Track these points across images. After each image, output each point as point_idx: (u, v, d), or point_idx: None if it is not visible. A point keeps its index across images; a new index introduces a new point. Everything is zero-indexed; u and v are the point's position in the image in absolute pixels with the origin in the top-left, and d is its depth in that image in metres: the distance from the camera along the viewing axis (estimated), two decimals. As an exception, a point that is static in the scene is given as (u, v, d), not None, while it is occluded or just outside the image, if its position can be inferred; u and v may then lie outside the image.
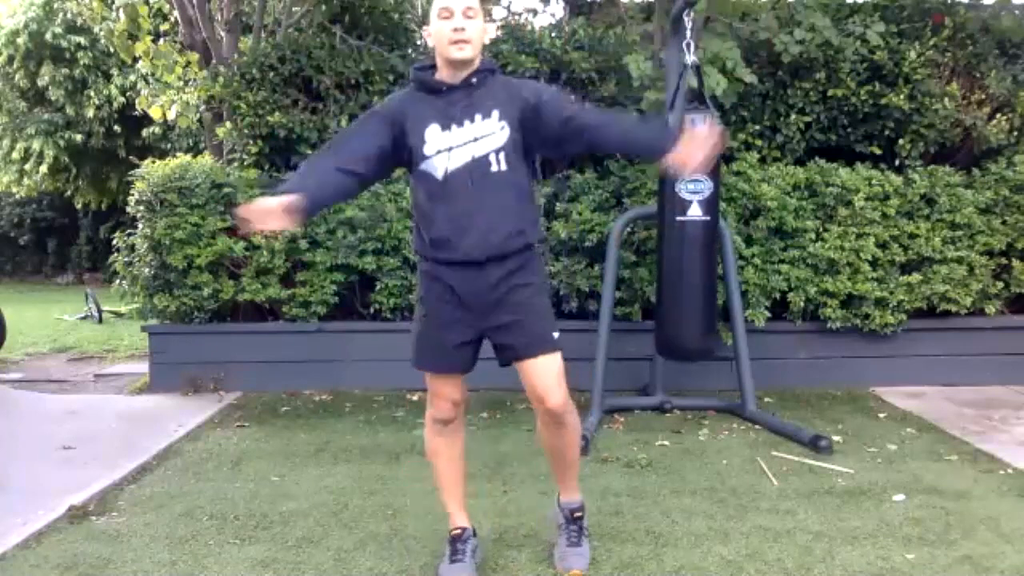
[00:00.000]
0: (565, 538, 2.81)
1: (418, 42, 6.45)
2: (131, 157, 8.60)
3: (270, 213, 2.38)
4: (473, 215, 2.52)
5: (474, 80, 2.55)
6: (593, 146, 2.88)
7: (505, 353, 2.64)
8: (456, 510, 2.79)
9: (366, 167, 2.58)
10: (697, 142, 2.47)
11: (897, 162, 5.37)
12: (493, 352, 2.69)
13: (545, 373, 2.58)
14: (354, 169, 2.56)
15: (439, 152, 2.52)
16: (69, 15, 11.54)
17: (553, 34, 5.42)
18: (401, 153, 2.59)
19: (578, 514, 2.84)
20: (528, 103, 2.55)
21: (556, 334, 2.63)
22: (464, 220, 2.52)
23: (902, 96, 5.17)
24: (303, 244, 5.14)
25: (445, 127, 2.53)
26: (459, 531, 2.75)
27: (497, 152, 2.52)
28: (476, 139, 2.52)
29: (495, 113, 2.52)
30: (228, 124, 5.49)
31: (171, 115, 6.53)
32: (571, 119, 2.55)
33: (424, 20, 6.60)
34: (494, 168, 2.52)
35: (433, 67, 2.61)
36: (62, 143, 12.66)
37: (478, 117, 2.52)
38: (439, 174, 2.53)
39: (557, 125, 2.55)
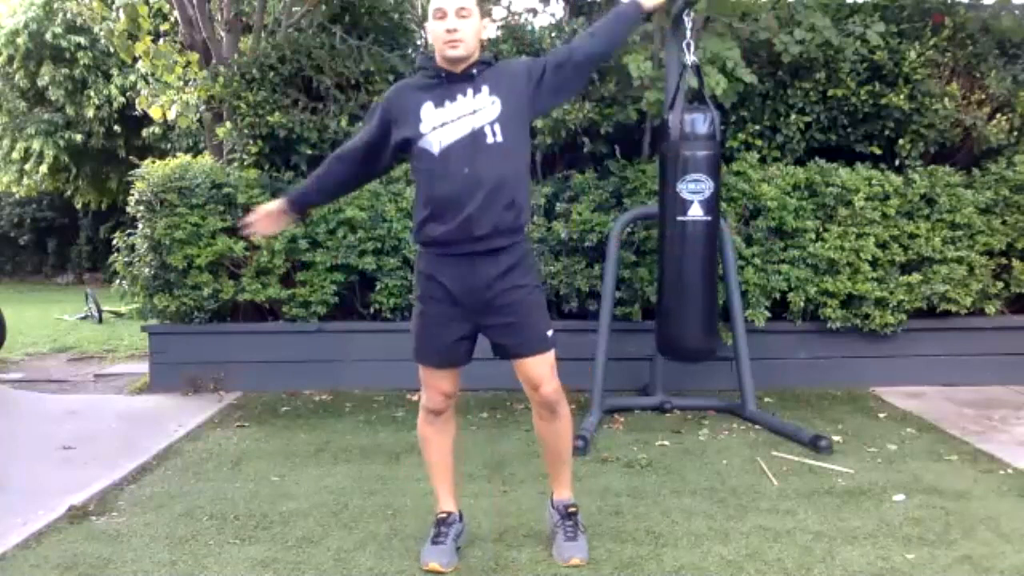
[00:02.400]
0: (562, 533, 2.85)
1: (418, 42, 6.45)
2: (131, 157, 8.58)
3: (264, 218, 2.84)
4: (471, 185, 2.60)
5: (474, 71, 2.68)
6: (590, 64, 2.89)
7: (501, 349, 2.78)
8: (443, 495, 2.91)
9: (365, 155, 2.79)
10: None
11: (897, 162, 5.37)
12: (490, 346, 2.79)
13: (539, 367, 2.74)
14: (353, 157, 2.81)
15: (434, 128, 2.63)
16: (69, 15, 11.52)
17: (553, 34, 5.42)
18: (399, 138, 2.70)
19: (572, 509, 2.91)
20: (523, 76, 2.71)
21: (550, 332, 2.76)
22: (462, 191, 2.60)
23: (902, 96, 5.16)
24: (303, 244, 5.14)
25: (439, 104, 2.64)
26: (444, 515, 2.87)
27: (492, 124, 2.63)
28: (470, 112, 2.63)
29: (484, 88, 2.66)
30: (228, 124, 5.49)
31: (171, 115, 6.52)
32: (561, 64, 2.74)
33: (424, 20, 6.61)
34: (489, 140, 2.63)
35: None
36: (62, 143, 12.65)
37: (470, 92, 2.65)
38: (435, 149, 2.63)
39: (555, 78, 2.72)
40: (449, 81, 2.65)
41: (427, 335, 2.75)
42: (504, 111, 2.63)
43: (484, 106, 2.62)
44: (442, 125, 2.62)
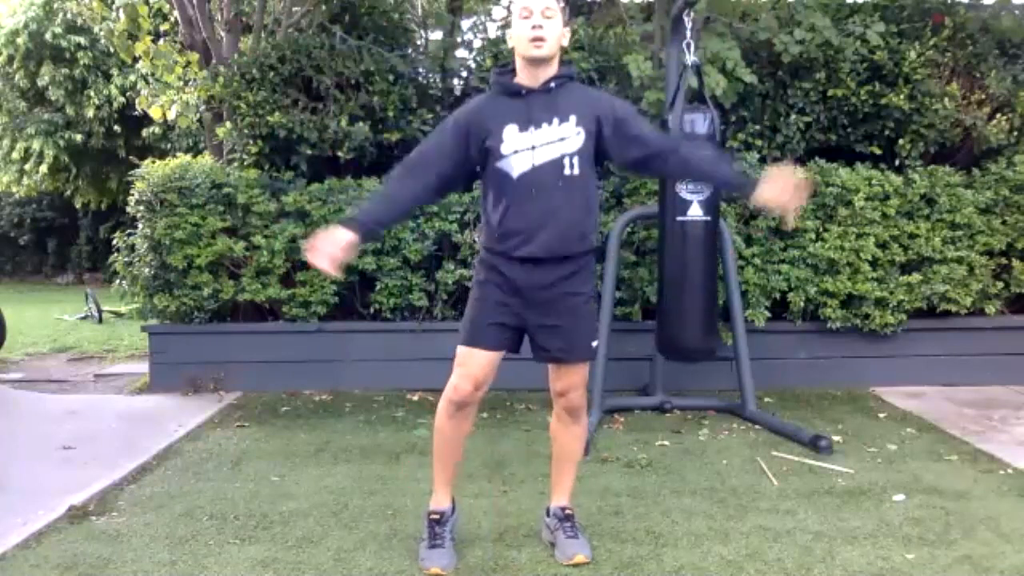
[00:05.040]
0: (563, 533, 2.85)
1: (418, 42, 6.45)
2: (131, 157, 8.59)
3: (336, 254, 2.53)
4: (543, 216, 2.62)
5: (553, 85, 2.65)
6: (661, 173, 2.91)
7: (544, 353, 2.77)
8: (441, 490, 2.87)
9: (445, 171, 2.69)
10: (784, 184, 2.59)
11: (897, 162, 5.37)
12: (531, 348, 2.79)
13: (575, 375, 2.79)
14: (430, 173, 2.68)
15: (516, 152, 2.61)
16: (69, 15, 11.53)
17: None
18: (477, 157, 2.67)
19: (569, 511, 2.92)
20: (606, 115, 2.65)
21: (595, 343, 2.81)
22: (534, 220, 2.62)
23: (902, 96, 5.16)
24: (303, 244, 5.12)
25: (523, 128, 2.61)
26: (437, 515, 2.83)
27: (571, 156, 2.62)
28: (552, 142, 2.61)
29: (572, 118, 2.63)
30: (228, 124, 5.49)
31: (171, 115, 6.53)
32: (637, 138, 2.67)
33: (424, 20, 6.61)
34: (567, 171, 2.62)
35: (513, 71, 2.70)
36: (62, 143, 12.65)
37: (555, 120, 2.62)
38: (514, 173, 2.62)
39: (625, 141, 2.66)
40: (531, 98, 2.61)
41: (480, 315, 2.73)
42: (585, 144, 2.63)
43: (568, 135, 2.61)
44: (524, 150, 2.60)
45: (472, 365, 2.73)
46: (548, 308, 2.71)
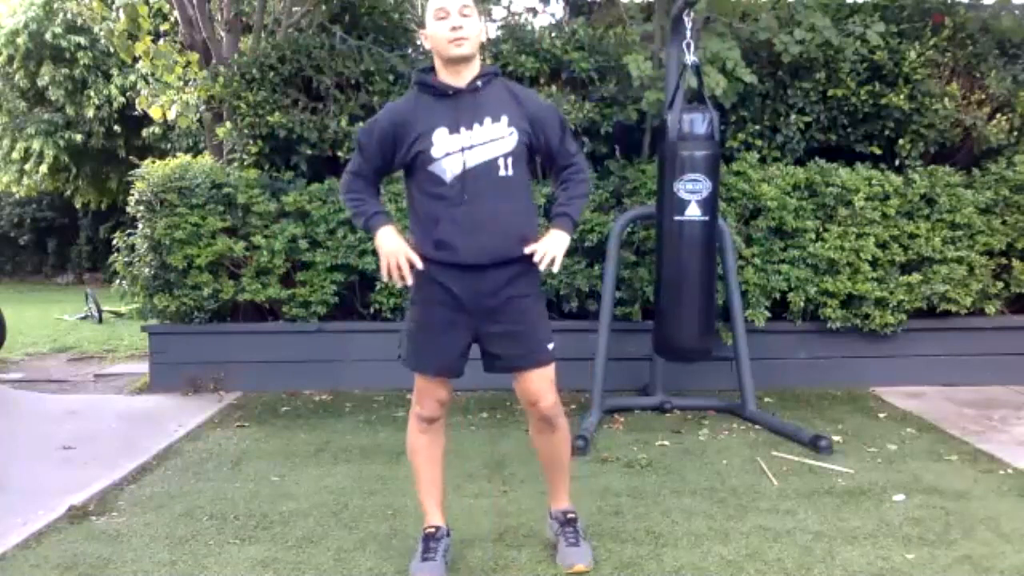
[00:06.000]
0: (564, 540, 2.82)
1: (418, 42, 6.45)
2: (131, 157, 8.61)
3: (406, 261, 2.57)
4: (480, 219, 2.55)
5: (479, 83, 2.58)
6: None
7: (498, 361, 2.68)
8: (432, 509, 2.81)
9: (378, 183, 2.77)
10: (549, 247, 2.59)
11: (897, 162, 5.37)
12: (481, 358, 2.71)
13: (539, 380, 2.68)
14: (373, 184, 2.74)
15: (447, 155, 2.54)
16: (69, 15, 11.54)
17: (553, 34, 5.41)
18: (403, 159, 2.62)
19: (571, 515, 2.87)
20: (535, 116, 2.63)
21: (551, 345, 2.70)
22: (470, 223, 2.55)
23: (902, 96, 5.16)
24: (303, 244, 5.14)
25: (453, 130, 2.55)
26: (433, 529, 2.78)
27: (506, 156, 2.56)
28: (485, 142, 2.55)
29: (504, 118, 2.57)
30: (228, 124, 5.49)
31: (171, 115, 6.53)
32: (560, 153, 2.70)
33: (424, 21, 6.62)
34: (502, 172, 2.56)
35: (435, 70, 2.63)
36: (62, 143, 12.65)
37: (487, 120, 2.56)
38: (447, 176, 2.55)
39: (553, 146, 2.68)
40: (458, 98, 2.55)
41: (428, 342, 2.66)
42: (519, 143, 2.58)
43: (501, 135, 2.55)
44: (457, 151, 2.53)
45: (430, 392, 2.71)
46: (497, 315, 2.62)
